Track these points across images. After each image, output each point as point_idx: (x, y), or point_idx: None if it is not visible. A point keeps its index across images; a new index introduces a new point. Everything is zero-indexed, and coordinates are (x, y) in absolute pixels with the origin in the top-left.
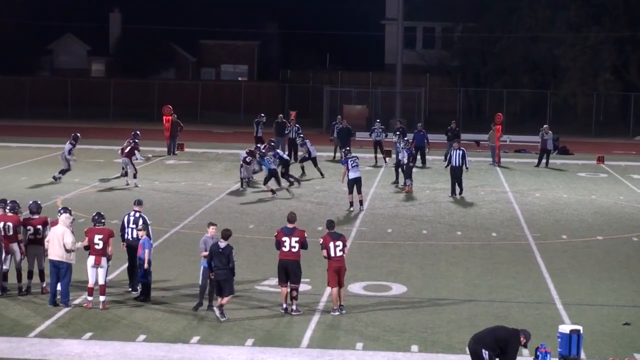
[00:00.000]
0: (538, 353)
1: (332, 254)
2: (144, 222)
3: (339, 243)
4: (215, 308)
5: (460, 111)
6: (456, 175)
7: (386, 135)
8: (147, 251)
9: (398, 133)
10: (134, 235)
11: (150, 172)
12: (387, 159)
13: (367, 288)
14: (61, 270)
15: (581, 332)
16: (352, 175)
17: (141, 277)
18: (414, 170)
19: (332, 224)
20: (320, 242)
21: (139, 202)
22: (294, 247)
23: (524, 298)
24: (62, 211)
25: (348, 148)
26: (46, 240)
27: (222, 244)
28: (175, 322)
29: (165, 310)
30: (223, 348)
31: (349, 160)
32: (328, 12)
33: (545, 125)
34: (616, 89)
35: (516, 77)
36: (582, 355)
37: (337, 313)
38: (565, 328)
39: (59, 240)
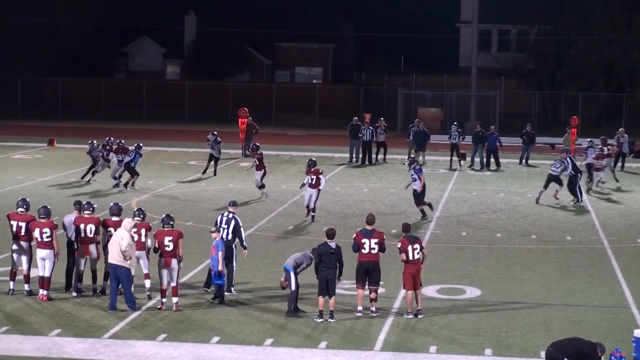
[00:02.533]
0: (613, 357)
1: (411, 257)
2: (219, 223)
3: (417, 246)
4: (323, 315)
5: (535, 114)
6: (571, 184)
7: (463, 138)
8: (220, 253)
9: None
10: (224, 236)
11: (225, 174)
12: (462, 162)
13: (441, 291)
14: (119, 274)
15: None
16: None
17: (215, 279)
18: (488, 173)
19: (409, 227)
20: (398, 245)
21: (233, 204)
22: (374, 248)
23: (599, 302)
24: (137, 213)
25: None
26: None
27: (333, 244)
28: (248, 324)
29: (239, 312)
30: (296, 350)
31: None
32: (403, 15)
33: (621, 129)
34: None
35: (591, 80)
36: None
37: (410, 316)
38: None
39: (118, 244)
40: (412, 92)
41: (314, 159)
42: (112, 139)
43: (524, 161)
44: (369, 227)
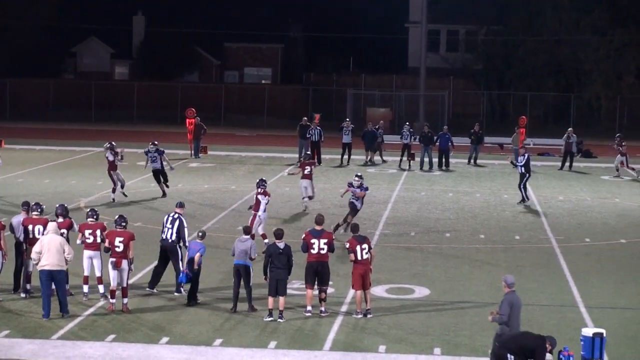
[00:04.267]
0: (561, 356)
1: (359, 257)
2: (165, 223)
3: (365, 246)
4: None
5: (483, 114)
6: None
7: (415, 139)
8: (198, 254)
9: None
10: (168, 236)
11: (174, 175)
12: (411, 162)
13: (390, 291)
14: (59, 279)
15: (604, 335)
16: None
17: (184, 280)
18: (438, 173)
19: (357, 227)
20: (347, 245)
21: (180, 204)
22: (323, 249)
23: (547, 301)
24: (90, 213)
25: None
26: (35, 249)
27: (281, 244)
28: (198, 324)
29: (188, 313)
30: (246, 350)
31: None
32: (352, 16)
33: (570, 129)
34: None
35: (540, 80)
36: (605, 358)
37: (360, 316)
38: (588, 331)
39: (57, 249)
40: (361, 92)
41: (309, 153)
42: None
43: (472, 161)
44: (318, 228)
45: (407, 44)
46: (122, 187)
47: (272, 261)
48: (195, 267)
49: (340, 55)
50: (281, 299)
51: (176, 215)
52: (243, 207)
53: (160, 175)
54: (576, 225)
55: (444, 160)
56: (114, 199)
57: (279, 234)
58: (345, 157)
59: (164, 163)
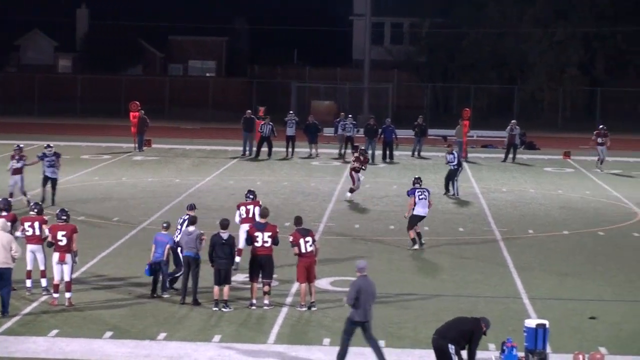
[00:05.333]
0: (504, 347)
1: (303, 250)
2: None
3: (309, 239)
4: (219, 304)
5: (427, 107)
6: (449, 175)
7: (357, 131)
8: (168, 246)
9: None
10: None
11: (118, 168)
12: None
13: (334, 283)
14: (6, 277)
15: (547, 326)
16: (418, 211)
17: (147, 273)
18: (382, 165)
19: (300, 220)
20: (290, 239)
21: (191, 207)
22: (267, 242)
23: (491, 293)
24: (32, 207)
25: (418, 177)
26: None
27: (225, 234)
28: (142, 318)
29: (132, 307)
30: (190, 344)
31: (416, 191)
32: (296, 8)
33: (513, 121)
34: (582, 84)
35: (483, 72)
36: (548, 349)
37: (304, 309)
38: (531, 322)
39: (4, 246)
40: (306, 85)
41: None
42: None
43: (416, 153)
44: (262, 221)
45: (351, 37)
46: (12, 195)
47: (215, 251)
48: (165, 259)
49: (284, 48)
50: (225, 289)
51: (186, 217)
52: (187, 199)
53: (50, 182)
54: (519, 216)
55: (388, 152)
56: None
57: (224, 225)
58: (290, 150)
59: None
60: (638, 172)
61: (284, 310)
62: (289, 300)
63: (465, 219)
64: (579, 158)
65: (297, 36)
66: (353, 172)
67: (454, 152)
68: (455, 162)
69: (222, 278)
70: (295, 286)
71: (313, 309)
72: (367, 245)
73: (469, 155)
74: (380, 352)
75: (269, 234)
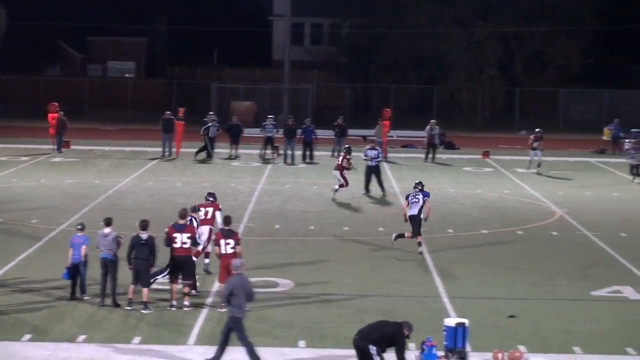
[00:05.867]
0: (424, 347)
1: (223, 251)
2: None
3: (230, 241)
4: (138, 305)
5: (348, 107)
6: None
7: (277, 131)
8: (84, 247)
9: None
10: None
11: (37, 170)
12: (275, 154)
13: (254, 284)
14: None
15: (467, 325)
16: (410, 212)
17: (66, 276)
18: (302, 166)
19: (228, 220)
20: (213, 238)
21: (194, 209)
22: (185, 243)
23: (411, 292)
24: None
25: (419, 181)
26: None
27: (144, 235)
28: (61, 320)
29: (51, 309)
30: (109, 346)
31: (410, 195)
32: (216, 9)
33: (432, 121)
34: (501, 84)
35: (403, 72)
36: (468, 347)
37: (225, 309)
38: (451, 321)
39: None
40: (226, 85)
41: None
42: None
43: (336, 154)
44: (181, 222)
45: (271, 37)
46: None
47: (135, 252)
48: (83, 259)
49: (204, 48)
50: (144, 290)
51: (189, 219)
52: (106, 201)
53: None
54: (439, 216)
55: (308, 152)
56: None
57: (143, 225)
58: (269, 151)
59: None
60: (556, 172)
61: (205, 311)
62: (209, 300)
63: (386, 219)
64: (498, 157)
65: (217, 37)
66: (344, 172)
67: (377, 147)
68: (378, 159)
69: (140, 279)
70: (216, 286)
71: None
72: (288, 245)
73: (389, 155)
74: (253, 352)
75: (188, 235)
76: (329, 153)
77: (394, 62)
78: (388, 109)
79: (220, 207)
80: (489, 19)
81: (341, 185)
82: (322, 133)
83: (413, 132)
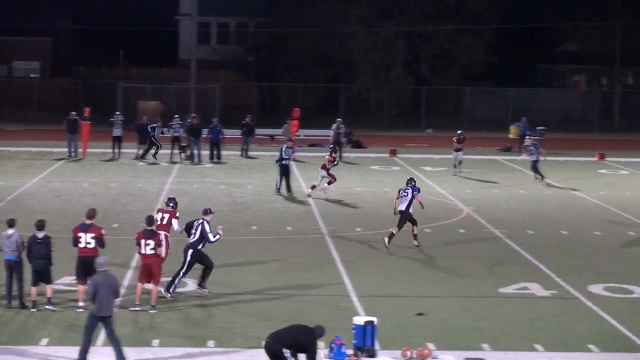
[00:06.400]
0: (333, 345)
1: (143, 251)
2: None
3: (150, 242)
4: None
5: (255, 106)
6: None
7: (184, 131)
8: None
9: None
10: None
11: None
12: (183, 154)
13: (163, 285)
14: None
15: (375, 323)
16: (400, 207)
17: None
18: (209, 165)
19: (150, 221)
20: (135, 236)
21: (206, 212)
22: (90, 243)
23: (320, 291)
24: None
25: (410, 177)
26: None
27: (40, 234)
28: None
29: None
30: (15, 348)
31: (401, 190)
32: (122, 8)
33: (338, 119)
34: (407, 83)
35: (310, 71)
36: (377, 346)
37: (137, 309)
38: (359, 320)
39: None
40: (132, 85)
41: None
42: None
43: (244, 153)
44: (87, 222)
45: (177, 37)
46: None
47: (32, 251)
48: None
49: (110, 48)
50: (47, 288)
51: (201, 221)
52: (11, 204)
53: None
54: (347, 215)
55: (215, 152)
56: None
57: (39, 225)
58: (116, 150)
59: None
60: (463, 170)
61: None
62: (117, 301)
63: (294, 218)
64: (405, 156)
65: (123, 36)
66: (329, 171)
67: (291, 147)
68: (285, 157)
69: (40, 278)
70: (124, 288)
71: (152, 311)
72: None
73: (297, 154)
74: (121, 351)
75: (92, 235)
76: (238, 152)
77: (300, 61)
78: (297, 109)
79: (177, 214)
80: (394, 17)
81: (330, 182)
82: (229, 132)
83: (320, 131)
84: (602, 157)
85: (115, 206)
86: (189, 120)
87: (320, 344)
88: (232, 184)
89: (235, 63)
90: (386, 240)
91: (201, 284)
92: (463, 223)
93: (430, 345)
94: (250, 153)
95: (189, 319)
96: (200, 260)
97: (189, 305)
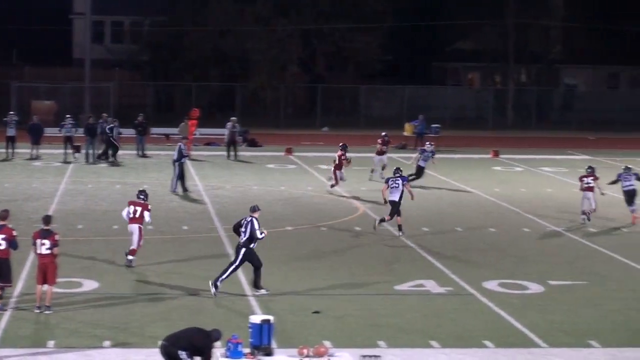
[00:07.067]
0: (229, 344)
1: (38, 251)
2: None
3: (46, 241)
4: None
5: (150, 105)
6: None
7: (76, 130)
8: None
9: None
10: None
11: None
12: (76, 154)
13: (58, 285)
14: None
15: (272, 321)
16: (391, 197)
17: None
18: (104, 165)
19: (47, 220)
20: (32, 236)
21: (254, 209)
22: (1, 244)
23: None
24: None
25: (398, 167)
26: None
27: None
28: None
29: None
30: None
31: (390, 179)
32: (14, 6)
33: (233, 118)
34: (303, 81)
35: (206, 70)
36: (273, 344)
37: (38, 311)
38: (256, 318)
39: None
40: (26, 84)
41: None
42: None
43: (139, 152)
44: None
45: (71, 36)
46: None
47: None
48: None
49: (2, 47)
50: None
51: (249, 219)
52: None
53: None
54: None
55: (110, 151)
56: None
57: (4, 216)
58: (10, 150)
59: None
60: (359, 167)
61: (10, 312)
62: (13, 301)
63: (190, 217)
64: (302, 154)
65: (16, 35)
66: (337, 171)
67: (179, 146)
68: (185, 156)
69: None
70: (20, 287)
71: (47, 312)
72: (91, 245)
73: (193, 153)
74: None
75: (3, 236)
76: (133, 152)
77: (196, 60)
78: (197, 109)
79: (149, 207)
80: (290, 16)
81: (332, 185)
82: (125, 132)
83: (216, 130)
84: (496, 154)
85: (9, 206)
86: (101, 121)
87: (217, 343)
88: (128, 183)
89: (130, 62)
90: (377, 221)
91: (257, 286)
92: (359, 221)
93: (327, 343)
94: (146, 152)
95: (86, 320)
96: (251, 260)
97: (86, 306)
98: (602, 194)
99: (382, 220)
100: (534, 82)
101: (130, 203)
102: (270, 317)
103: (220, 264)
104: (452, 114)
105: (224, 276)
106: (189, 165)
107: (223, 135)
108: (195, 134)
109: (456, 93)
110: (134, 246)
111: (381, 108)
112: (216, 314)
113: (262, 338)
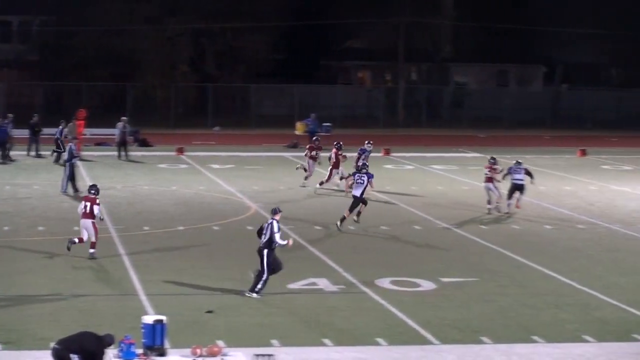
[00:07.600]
0: (122, 345)
1: None
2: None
3: None
4: None
5: (41, 106)
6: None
7: None
8: None
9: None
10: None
11: None
12: None
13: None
14: None
15: (165, 322)
16: (354, 192)
17: None
18: None
19: None
20: None
21: (275, 211)
22: None
23: (109, 291)
24: None
25: (366, 163)
26: None
27: None
28: None
29: None
30: None
31: (356, 175)
32: None
33: (123, 118)
34: (193, 80)
35: (95, 70)
36: (167, 344)
37: None
38: (148, 319)
39: None
40: None
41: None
42: None
43: (30, 152)
44: None
45: None
46: None
47: None
48: None
49: None
50: None
51: (270, 221)
52: None
53: None
54: (135, 213)
55: (2, 152)
56: None
57: None
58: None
59: None
60: (250, 167)
61: None
62: None
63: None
64: (193, 154)
65: None
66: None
67: (69, 146)
68: (75, 156)
69: None
70: None
71: None
72: None
73: (83, 153)
74: None
75: None
76: (24, 152)
77: (86, 60)
78: (83, 110)
79: (98, 201)
80: (179, 15)
81: (306, 177)
82: (16, 133)
83: (106, 130)
84: (387, 152)
85: None
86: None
87: (110, 347)
88: (18, 184)
89: (19, 62)
90: (338, 223)
91: (252, 288)
92: (251, 220)
93: (220, 343)
94: (39, 152)
95: None
96: (272, 262)
97: None
98: (498, 181)
99: (343, 219)
100: (424, 80)
101: (84, 198)
102: (163, 317)
103: (111, 264)
104: (343, 113)
105: (259, 284)
106: (79, 165)
107: (114, 135)
108: (84, 134)
109: (347, 91)
110: (92, 239)
111: (272, 107)
112: (108, 315)
113: (155, 338)
